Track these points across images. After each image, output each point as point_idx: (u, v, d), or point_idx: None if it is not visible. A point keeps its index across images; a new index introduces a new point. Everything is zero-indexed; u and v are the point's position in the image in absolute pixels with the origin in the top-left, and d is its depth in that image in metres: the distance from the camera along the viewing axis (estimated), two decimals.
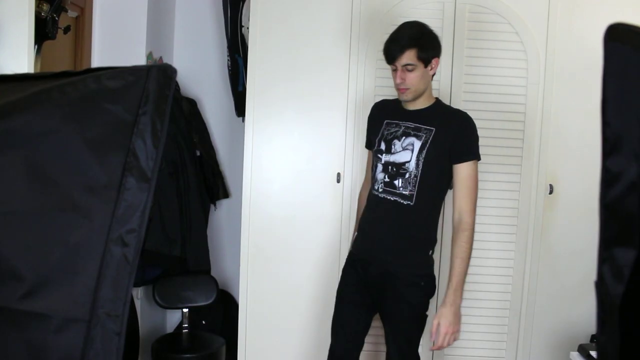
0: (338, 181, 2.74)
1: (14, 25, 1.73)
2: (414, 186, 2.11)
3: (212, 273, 3.24)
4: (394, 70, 2.10)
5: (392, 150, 2.16)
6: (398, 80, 2.09)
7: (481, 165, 2.72)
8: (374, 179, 2.22)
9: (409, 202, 2.12)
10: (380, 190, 2.18)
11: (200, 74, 3.48)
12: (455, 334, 2.05)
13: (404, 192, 2.12)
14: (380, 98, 2.74)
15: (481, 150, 2.73)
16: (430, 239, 2.21)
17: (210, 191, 3.37)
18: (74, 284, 0.77)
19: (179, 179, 3.08)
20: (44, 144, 0.78)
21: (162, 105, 0.79)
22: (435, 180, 2.14)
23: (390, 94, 2.73)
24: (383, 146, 2.19)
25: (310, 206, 2.75)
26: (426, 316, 2.20)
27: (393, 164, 2.15)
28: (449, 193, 2.24)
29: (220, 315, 3.40)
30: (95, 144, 0.78)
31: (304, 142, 2.76)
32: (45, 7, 1.95)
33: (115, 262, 0.77)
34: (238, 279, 2.79)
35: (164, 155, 0.80)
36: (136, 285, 3.00)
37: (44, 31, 1.95)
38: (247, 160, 2.74)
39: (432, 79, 2.19)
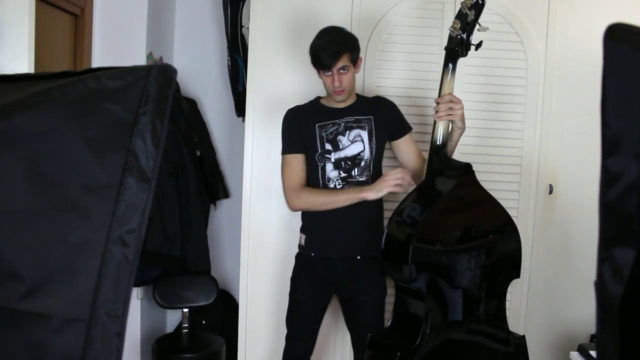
0: None
1: (14, 25, 1.74)
2: (370, 170, 2.30)
3: (212, 273, 3.24)
4: (328, 75, 2.24)
5: (341, 147, 2.30)
6: (336, 84, 2.23)
7: (481, 165, 2.73)
8: (324, 178, 2.31)
9: None
10: (339, 187, 2.29)
11: (200, 74, 3.48)
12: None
13: (360, 179, 2.29)
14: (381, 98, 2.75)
15: (481, 150, 2.75)
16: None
17: (210, 191, 3.37)
18: (74, 284, 0.77)
19: (179, 179, 3.08)
20: (43, 144, 0.78)
21: (162, 105, 0.79)
22: (381, 159, 2.38)
23: (393, 93, 2.74)
24: (329, 146, 2.31)
25: None
26: None
27: (345, 158, 2.30)
28: None
29: (220, 315, 3.40)
30: (95, 144, 0.78)
31: None
32: (457, 25, 2.05)
33: (115, 262, 0.77)
34: (238, 279, 2.79)
35: (164, 155, 0.80)
36: (136, 285, 3.00)
37: (454, 49, 2.09)
38: (247, 160, 2.73)
39: None
